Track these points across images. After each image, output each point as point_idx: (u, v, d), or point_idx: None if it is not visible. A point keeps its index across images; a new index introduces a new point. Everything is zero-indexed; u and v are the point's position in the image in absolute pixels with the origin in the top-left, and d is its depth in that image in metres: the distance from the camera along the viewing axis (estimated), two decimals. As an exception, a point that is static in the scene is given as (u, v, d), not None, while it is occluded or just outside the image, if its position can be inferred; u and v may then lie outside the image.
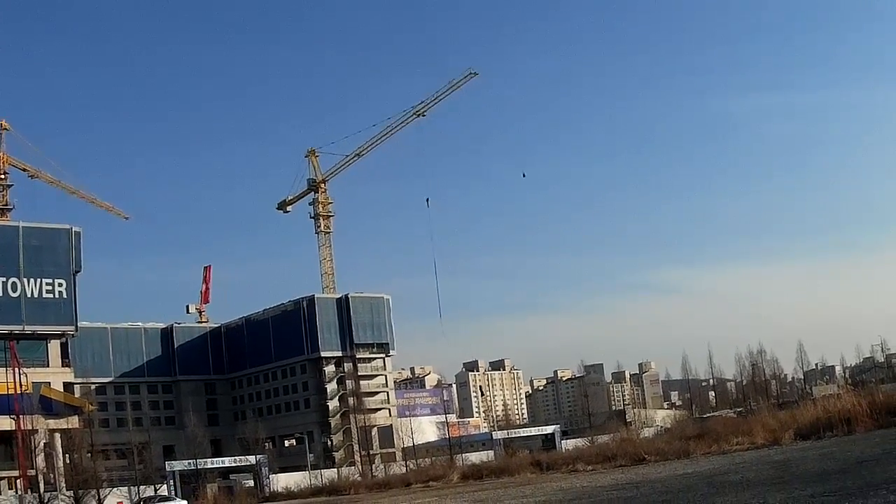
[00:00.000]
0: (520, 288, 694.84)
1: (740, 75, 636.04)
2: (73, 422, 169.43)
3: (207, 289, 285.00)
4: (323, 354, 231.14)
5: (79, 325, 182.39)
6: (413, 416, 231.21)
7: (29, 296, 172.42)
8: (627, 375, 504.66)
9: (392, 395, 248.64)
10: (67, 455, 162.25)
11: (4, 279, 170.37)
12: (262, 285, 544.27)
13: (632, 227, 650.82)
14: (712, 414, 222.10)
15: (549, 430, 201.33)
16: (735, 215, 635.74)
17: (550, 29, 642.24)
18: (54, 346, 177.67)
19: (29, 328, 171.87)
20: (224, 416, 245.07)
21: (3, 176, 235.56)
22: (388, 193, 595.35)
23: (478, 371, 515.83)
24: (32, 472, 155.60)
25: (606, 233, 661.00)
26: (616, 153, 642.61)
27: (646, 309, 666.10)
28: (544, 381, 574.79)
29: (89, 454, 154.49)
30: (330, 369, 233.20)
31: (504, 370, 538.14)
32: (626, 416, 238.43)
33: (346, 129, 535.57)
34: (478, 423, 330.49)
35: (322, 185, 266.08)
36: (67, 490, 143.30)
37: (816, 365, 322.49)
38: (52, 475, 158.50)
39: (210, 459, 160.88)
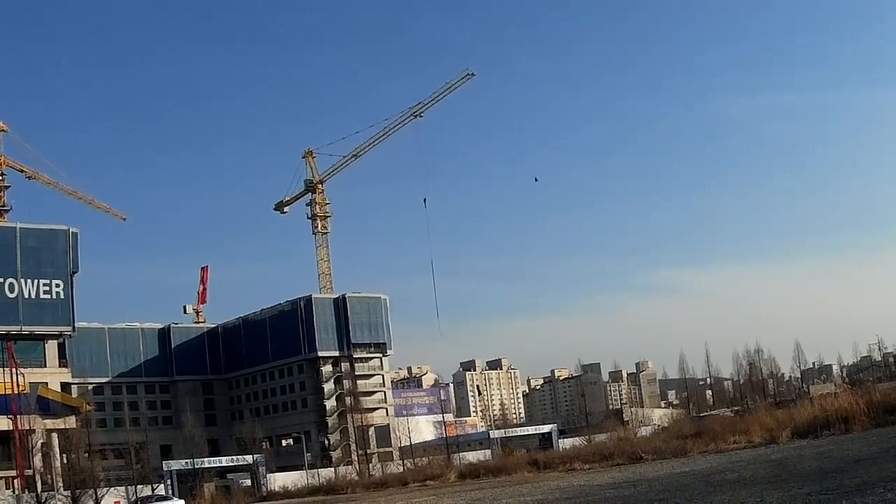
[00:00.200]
0: (517, 288, 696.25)
1: (740, 76, 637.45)
2: (71, 422, 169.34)
3: (205, 289, 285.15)
4: (320, 354, 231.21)
5: (76, 325, 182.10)
6: (410, 415, 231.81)
7: (26, 296, 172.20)
8: (625, 375, 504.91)
9: (389, 394, 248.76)
10: (65, 455, 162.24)
11: (2, 280, 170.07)
12: (259, 286, 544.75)
13: (629, 227, 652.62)
14: (709, 413, 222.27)
15: (546, 429, 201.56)
16: (733, 216, 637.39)
17: (548, 29, 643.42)
18: (52, 347, 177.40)
19: (26, 328, 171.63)
20: (221, 416, 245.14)
21: (0, 177, 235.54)
22: (386, 194, 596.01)
23: (475, 370, 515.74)
24: (30, 472, 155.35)
25: (604, 233, 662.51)
26: (614, 154, 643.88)
27: (643, 309, 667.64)
28: (541, 381, 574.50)
29: (87, 454, 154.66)
30: (327, 369, 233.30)
31: (501, 369, 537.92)
32: (624, 416, 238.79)
33: (344, 130, 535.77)
34: (475, 423, 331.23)
35: (319, 186, 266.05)
36: (65, 490, 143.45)
37: (814, 364, 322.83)
38: (49, 475, 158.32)
39: (207, 459, 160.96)
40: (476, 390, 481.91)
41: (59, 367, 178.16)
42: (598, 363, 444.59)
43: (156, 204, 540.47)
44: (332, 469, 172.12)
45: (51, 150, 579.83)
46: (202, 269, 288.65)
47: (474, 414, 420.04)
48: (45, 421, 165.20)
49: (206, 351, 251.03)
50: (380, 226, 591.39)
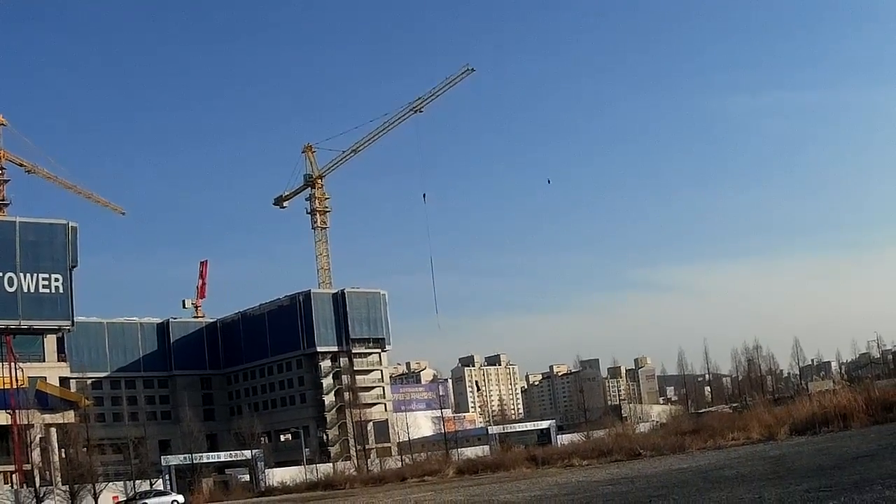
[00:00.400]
0: (516, 284, 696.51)
1: (737, 74, 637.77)
2: (69, 416, 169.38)
3: (204, 284, 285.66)
4: (319, 349, 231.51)
5: (75, 319, 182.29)
6: (409, 410, 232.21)
7: (25, 291, 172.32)
8: (623, 371, 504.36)
9: (388, 390, 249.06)
10: (63, 450, 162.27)
11: (1, 274, 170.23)
12: (258, 280, 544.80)
13: (628, 224, 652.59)
14: (708, 409, 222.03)
15: (544, 425, 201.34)
16: (731, 213, 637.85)
17: (548, 26, 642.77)
18: (50, 341, 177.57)
19: (25, 323, 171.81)
20: (220, 411, 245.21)
21: (0, 171, 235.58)
22: (385, 189, 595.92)
23: (473, 366, 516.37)
24: (28, 467, 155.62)
25: (603, 230, 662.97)
26: (612, 150, 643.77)
27: (642, 305, 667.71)
28: (540, 377, 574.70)
29: (85, 449, 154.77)
30: (326, 364, 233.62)
31: (500, 365, 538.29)
32: (622, 412, 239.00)
33: (344, 125, 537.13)
34: (473, 418, 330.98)
35: (319, 181, 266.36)
36: (63, 485, 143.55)
37: (812, 361, 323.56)
38: (47, 470, 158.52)
39: (206, 454, 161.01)
40: (475, 386, 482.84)
41: (58, 361, 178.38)
42: (597, 359, 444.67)
43: (155, 198, 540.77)
44: (331, 464, 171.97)
45: (50, 144, 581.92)
46: (201, 263, 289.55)
47: (473, 409, 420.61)
48: (44, 415, 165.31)
49: (204, 346, 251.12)
50: (379, 221, 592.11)
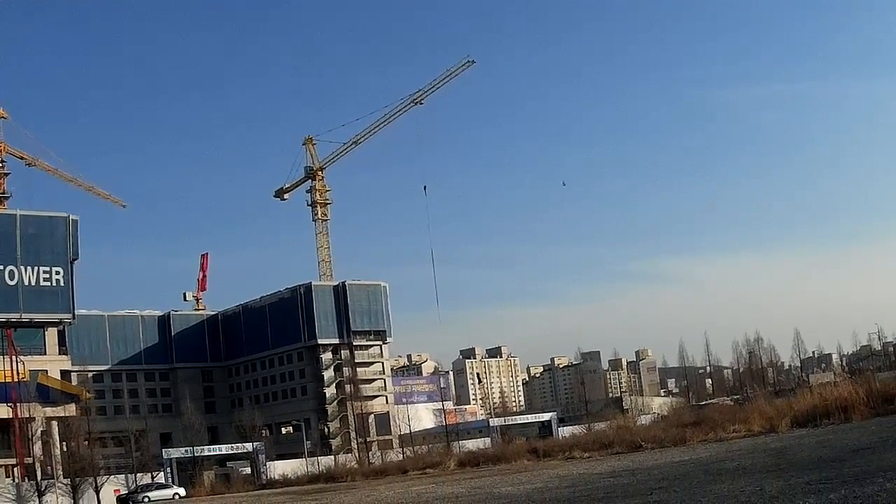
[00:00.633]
0: (517, 276, 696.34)
1: (737, 65, 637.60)
2: (71, 409, 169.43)
3: (205, 276, 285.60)
4: (320, 342, 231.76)
5: (76, 312, 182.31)
6: (410, 403, 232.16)
7: (26, 284, 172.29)
8: (624, 363, 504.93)
9: (389, 382, 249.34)
10: (64, 443, 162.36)
11: (2, 267, 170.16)
12: (259, 273, 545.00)
13: (629, 215, 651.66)
14: (709, 401, 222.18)
15: (545, 417, 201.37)
16: (732, 204, 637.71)
17: (548, 18, 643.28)
18: (51, 334, 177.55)
19: (26, 316, 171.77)
20: (221, 404, 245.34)
21: (0, 164, 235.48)
22: (386, 181, 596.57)
23: (475, 358, 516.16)
24: (29, 460, 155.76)
25: (604, 221, 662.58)
26: (612, 142, 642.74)
27: (643, 297, 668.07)
28: (541, 369, 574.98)
29: (86, 442, 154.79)
30: (327, 357, 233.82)
31: (501, 357, 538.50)
32: (623, 404, 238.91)
33: (344, 117, 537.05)
34: (474, 411, 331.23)
35: (319, 173, 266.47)
36: (64, 478, 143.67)
37: (813, 353, 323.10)
38: (49, 463, 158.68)
39: (207, 447, 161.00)
40: (476, 378, 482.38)
41: (59, 354, 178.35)
42: (598, 351, 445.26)
43: (155, 191, 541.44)
44: (332, 457, 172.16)
45: (50, 137, 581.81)
46: (202, 256, 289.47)
47: (474, 402, 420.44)
48: (45, 409, 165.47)
49: (205, 338, 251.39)
50: (379, 212, 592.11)
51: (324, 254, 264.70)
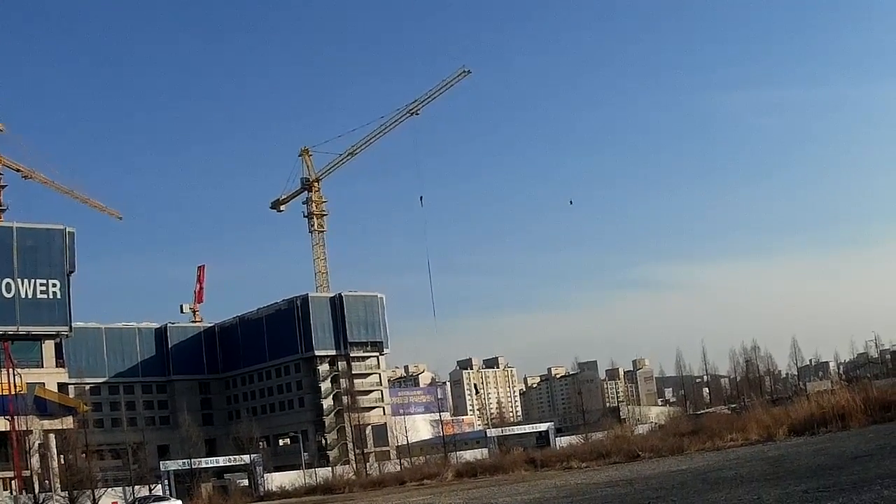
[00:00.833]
0: (513, 285, 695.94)
1: (734, 70, 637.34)
2: (68, 422, 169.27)
3: (201, 288, 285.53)
4: (317, 353, 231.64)
5: (73, 325, 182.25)
6: (407, 414, 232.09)
7: (23, 296, 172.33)
8: (621, 372, 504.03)
9: (386, 393, 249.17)
10: (62, 455, 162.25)
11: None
12: (255, 284, 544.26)
13: (624, 223, 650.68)
14: (706, 410, 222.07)
15: (543, 427, 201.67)
16: (729, 210, 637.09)
17: (542, 26, 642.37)
18: (48, 347, 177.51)
19: (23, 329, 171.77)
20: (218, 416, 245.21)
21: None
22: (382, 192, 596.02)
23: (472, 369, 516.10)
24: (27, 473, 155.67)
25: (599, 229, 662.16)
26: (609, 148, 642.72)
27: (640, 305, 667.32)
28: (538, 379, 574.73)
29: (84, 454, 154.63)
30: (324, 368, 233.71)
31: (498, 368, 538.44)
32: (621, 413, 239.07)
33: (340, 128, 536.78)
34: (472, 421, 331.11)
35: (316, 184, 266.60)
36: (62, 490, 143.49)
37: (810, 361, 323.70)
38: (46, 476, 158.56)
39: (204, 459, 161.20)
40: (473, 389, 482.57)
41: (56, 367, 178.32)
42: (595, 361, 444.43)
43: (152, 203, 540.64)
44: (330, 468, 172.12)
45: (47, 149, 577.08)
46: (199, 268, 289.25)
47: (471, 412, 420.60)
48: (43, 421, 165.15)
49: (202, 350, 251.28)
50: (376, 223, 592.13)
51: (320, 265, 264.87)
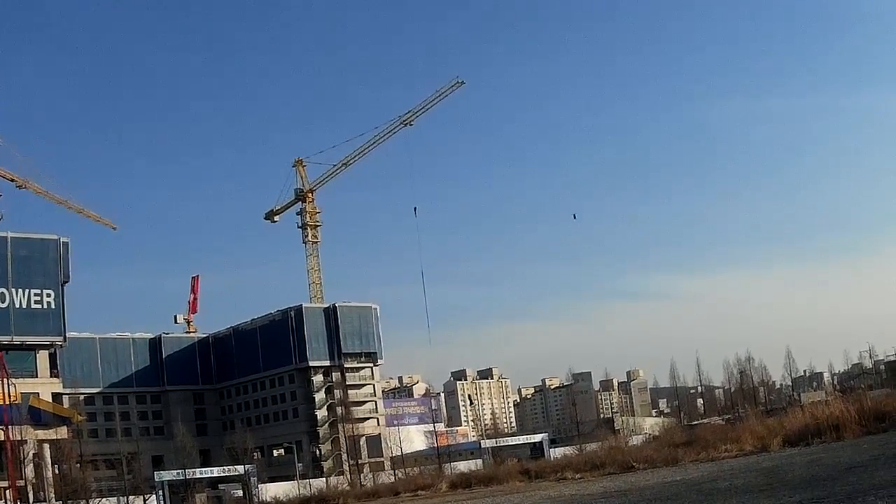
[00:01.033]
0: (507, 296, 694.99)
1: (726, 80, 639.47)
2: (62, 432, 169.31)
3: (195, 299, 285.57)
4: (311, 364, 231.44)
5: (67, 335, 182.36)
6: (401, 425, 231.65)
7: (17, 306, 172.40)
8: (616, 383, 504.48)
9: (380, 404, 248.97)
10: (56, 465, 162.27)
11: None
12: (250, 295, 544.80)
13: (617, 232, 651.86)
14: (701, 421, 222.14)
15: (537, 438, 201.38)
16: (721, 221, 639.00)
17: (536, 36, 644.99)
18: (43, 357, 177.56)
19: (17, 339, 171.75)
20: (213, 426, 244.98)
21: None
22: (376, 202, 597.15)
23: (466, 380, 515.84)
24: (21, 483, 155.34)
25: (592, 239, 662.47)
26: (603, 158, 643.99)
27: (634, 316, 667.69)
28: (532, 390, 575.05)
29: (78, 464, 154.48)
30: (318, 379, 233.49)
31: (492, 379, 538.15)
32: (615, 424, 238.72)
33: (334, 139, 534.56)
34: (466, 432, 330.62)
35: (310, 195, 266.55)
36: (57, 501, 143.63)
37: (805, 371, 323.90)
38: (41, 486, 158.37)
39: (199, 469, 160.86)
40: (467, 399, 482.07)
41: (51, 377, 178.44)
42: (589, 372, 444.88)
43: (146, 213, 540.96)
44: (324, 479, 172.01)
45: (42, 159, 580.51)
46: (193, 278, 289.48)
47: (465, 423, 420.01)
48: (37, 431, 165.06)
49: (197, 361, 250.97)
50: (370, 233, 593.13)
51: (314, 276, 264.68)
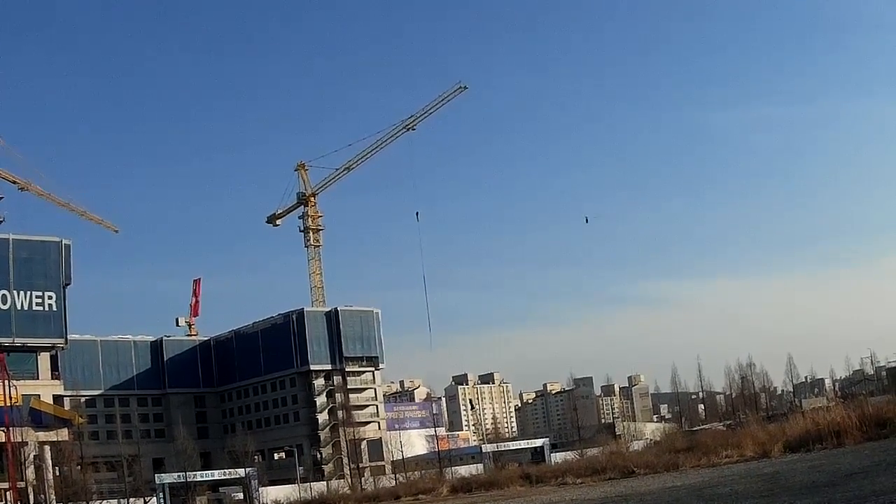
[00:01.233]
0: (508, 300, 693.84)
1: (725, 87, 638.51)
2: (63, 434, 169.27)
3: (197, 302, 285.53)
4: (312, 368, 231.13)
5: (69, 337, 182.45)
6: (402, 429, 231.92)
7: (19, 308, 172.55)
8: (617, 388, 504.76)
9: (381, 408, 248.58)
10: (57, 468, 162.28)
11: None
12: (251, 298, 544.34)
13: (619, 237, 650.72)
14: (702, 427, 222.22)
15: (538, 443, 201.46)
16: (722, 226, 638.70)
17: (537, 41, 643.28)
18: (44, 359, 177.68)
19: (19, 341, 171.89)
20: (214, 429, 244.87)
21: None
22: (378, 206, 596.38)
23: (467, 384, 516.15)
24: (22, 485, 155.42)
25: (594, 244, 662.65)
26: (604, 164, 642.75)
27: (635, 321, 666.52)
28: (534, 395, 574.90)
29: (79, 467, 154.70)
30: (319, 382, 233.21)
31: (493, 383, 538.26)
32: (616, 430, 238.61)
33: (336, 143, 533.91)
34: (467, 437, 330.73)
35: (312, 199, 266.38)
36: (57, 503, 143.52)
37: (806, 378, 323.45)
38: (42, 488, 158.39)
39: (200, 472, 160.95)
40: (468, 404, 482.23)
41: (52, 379, 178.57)
42: (591, 377, 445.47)
43: (148, 216, 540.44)
44: (325, 483, 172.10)
45: (44, 161, 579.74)
46: (194, 281, 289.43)
47: (466, 428, 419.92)
48: (38, 433, 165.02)
49: (198, 364, 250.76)
50: (372, 238, 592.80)
51: (316, 279, 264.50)
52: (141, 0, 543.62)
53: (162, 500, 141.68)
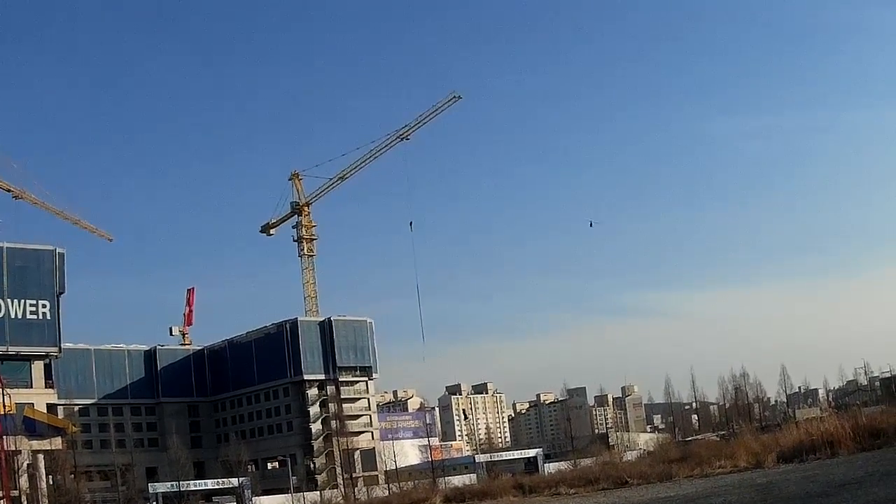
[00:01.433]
0: (502, 310, 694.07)
1: (723, 95, 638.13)
2: (57, 443, 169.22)
3: (191, 311, 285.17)
4: (306, 377, 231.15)
5: (62, 346, 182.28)
6: (396, 439, 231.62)
7: (13, 316, 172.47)
8: (610, 399, 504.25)
9: (375, 418, 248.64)
10: (51, 476, 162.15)
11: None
12: (245, 308, 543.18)
13: (613, 248, 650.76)
14: (695, 437, 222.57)
15: (531, 453, 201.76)
16: (715, 237, 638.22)
17: (532, 50, 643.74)
18: (38, 367, 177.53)
19: (13, 349, 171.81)
20: (207, 439, 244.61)
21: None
22: (372, 216, 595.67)
23: (460, 394, 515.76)
24: (16, 493, 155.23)
25: (588, 254, 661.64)
26: (597, 173, 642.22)
27: (628, 332, 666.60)
28: (527, 405, 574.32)
29: (72, 475, 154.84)
30: (313, 392, 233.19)
31: (487, 393, 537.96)
32: (609, 440, 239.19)
33: (330, 153, 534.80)
34: (460, 447, 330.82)
35: (306, 208, 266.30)
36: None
37: (800, 388, 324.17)
38: (35, 496, 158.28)
39: (193, 482, 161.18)
40: (462, 414, 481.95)
41: (45, 387, 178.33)
42: (584, 387, 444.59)
43: (142, 225, 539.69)
44: (318, 492, 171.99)
45: (38, 169, 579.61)
46: (188, 290, 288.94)
47: (460, 438, 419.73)
48: (31, 442, 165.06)
49: (192, 373, 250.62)
50: (366, 247, 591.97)
51: (310, 289, 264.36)
52: (136, 14, 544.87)
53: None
